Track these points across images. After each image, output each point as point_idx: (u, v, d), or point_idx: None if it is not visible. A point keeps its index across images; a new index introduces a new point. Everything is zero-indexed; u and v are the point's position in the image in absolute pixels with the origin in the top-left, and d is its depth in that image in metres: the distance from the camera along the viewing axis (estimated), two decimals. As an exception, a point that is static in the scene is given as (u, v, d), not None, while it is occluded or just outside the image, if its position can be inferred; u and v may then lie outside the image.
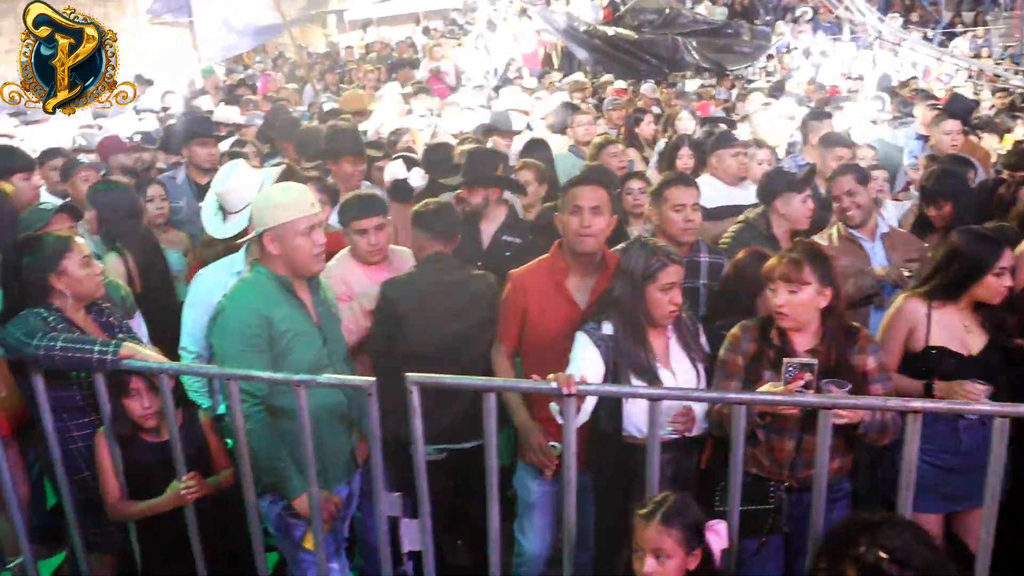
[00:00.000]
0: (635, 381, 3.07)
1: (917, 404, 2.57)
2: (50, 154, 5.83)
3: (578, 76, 12.16)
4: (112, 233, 4.28)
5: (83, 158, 6.00)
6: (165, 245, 4.64)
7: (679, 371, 3.15)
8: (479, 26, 15.63)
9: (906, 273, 3.99)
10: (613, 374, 3.08)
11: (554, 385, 2.65)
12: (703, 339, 3.28)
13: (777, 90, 10.66)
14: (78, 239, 3.28)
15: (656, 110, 9.12)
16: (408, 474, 2.86)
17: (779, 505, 2.94)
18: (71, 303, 3.17)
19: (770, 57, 14.89)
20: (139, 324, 3.79)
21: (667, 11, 14.52)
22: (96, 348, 2.92)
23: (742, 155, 5.41)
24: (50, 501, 4.29)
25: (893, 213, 5.12)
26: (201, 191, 5.38)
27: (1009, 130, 7.64)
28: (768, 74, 14.14)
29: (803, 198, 4.21)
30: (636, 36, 13.73)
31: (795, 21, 17.32)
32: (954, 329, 3.27)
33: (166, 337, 3.76)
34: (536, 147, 5.76)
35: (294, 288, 3.13)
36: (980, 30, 17.18)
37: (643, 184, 4.93)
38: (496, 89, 10.34)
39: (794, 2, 18.31)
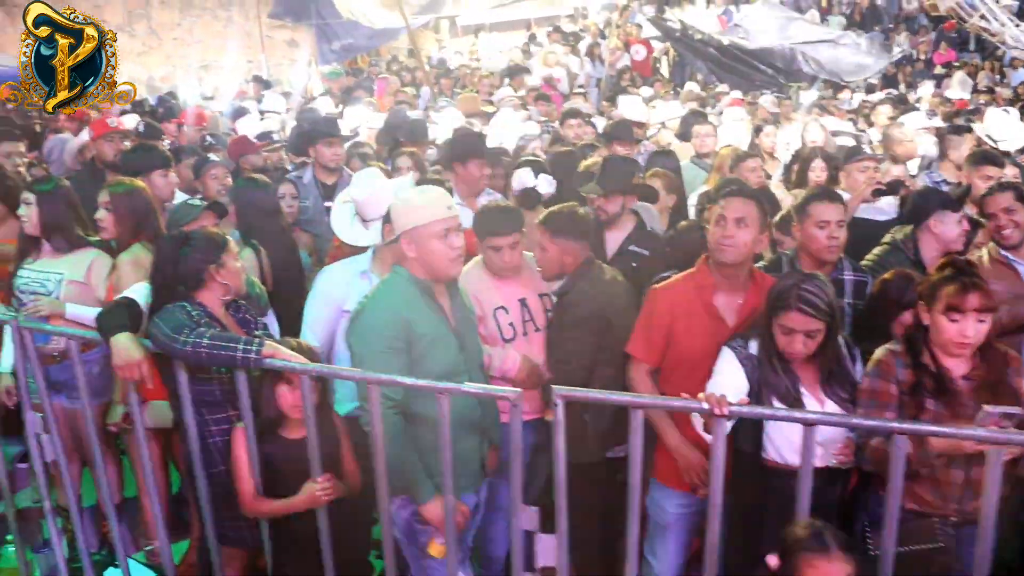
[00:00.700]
0: (777, 404, 2.93)
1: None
2: (185, 152, 6.03)
3: (692, 86, 11.95)
4: (250, 230, 4.34)
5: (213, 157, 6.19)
6: (292, 245, 4.68)
7: (827, 398, 2.98)
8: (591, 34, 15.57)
9: None
10: (757, 395, 2.95)
11: (705, 405, 2.54)
12: (858, 365, 3.08)
13: (900, 103, 10.22)
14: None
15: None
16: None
17: (948, 544, 2.77)
18: (219, 298, 3.21)
19: (892, 68, 14.36)
20: (272, 321, 3.84)
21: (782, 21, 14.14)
22: (241, 346, 2.94)
23: (871, 170, 5.17)
24: (174, 489, 4.41)
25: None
26: (327, 191, 5.46)
27: None
28: (887, 87, 13.63)
29: (959, 218, 3.95)
30: (751, 46, 13.41)
31: (915, 32, 16.66)
32: None
33: (294, 336, 3.75)
34: (663, 157, 5.68)
35: (433, 292, 3.10)
36: None
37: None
38: (610, 99, 10.23)
39: (916, 12, 17.63)
